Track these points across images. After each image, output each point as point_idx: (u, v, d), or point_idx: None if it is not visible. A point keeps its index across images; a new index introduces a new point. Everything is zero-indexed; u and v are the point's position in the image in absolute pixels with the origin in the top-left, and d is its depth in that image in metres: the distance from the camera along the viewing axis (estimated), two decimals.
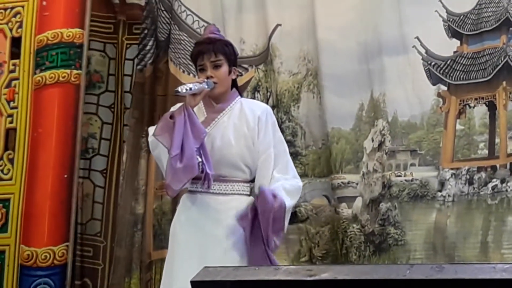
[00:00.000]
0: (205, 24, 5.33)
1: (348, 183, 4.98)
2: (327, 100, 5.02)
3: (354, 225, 4.87)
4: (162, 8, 5.56)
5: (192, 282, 2.11)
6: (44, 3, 5.37)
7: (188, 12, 5.50)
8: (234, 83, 3.82)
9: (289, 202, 3.59)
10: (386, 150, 4.89)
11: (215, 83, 3.62)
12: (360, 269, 2.07)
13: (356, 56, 5.01)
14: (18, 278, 5.08)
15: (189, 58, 5.16)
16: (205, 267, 2.18)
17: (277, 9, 5.23)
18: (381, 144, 4.91)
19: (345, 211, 4.95)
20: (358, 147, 5.01)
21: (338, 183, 4.98)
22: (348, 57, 5.02)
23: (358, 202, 4.92)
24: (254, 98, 5.21)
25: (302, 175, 4.88)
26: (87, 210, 5.64)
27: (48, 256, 5.03)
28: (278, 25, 5.18)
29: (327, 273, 2.01)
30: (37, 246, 5.05)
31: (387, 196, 4.81)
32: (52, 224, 5.09)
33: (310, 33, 5.14)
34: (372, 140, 4.94)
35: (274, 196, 3.52)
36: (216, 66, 3.66)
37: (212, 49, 3.66)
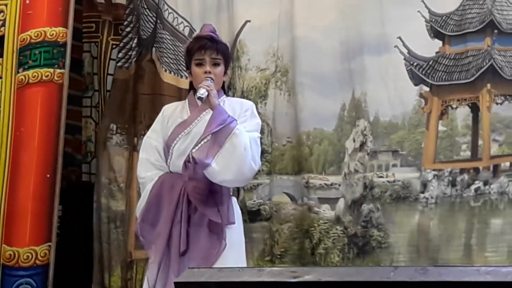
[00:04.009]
0: (184, 22, 5.37)
1: (331, 184, 4.98)
2: (309, 100, 5.02)
3: (338, 227, 4.87)
4: (146, 6, 5.55)
5: (176, 283, 2.11)
6: (28, 1, 5.32)
7: (170, 11, 5.50)
8: (223, 86, 3.90)
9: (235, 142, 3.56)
10: (368, 151, 4.89)
11: (212, 80, 3.67)
12: (344, 271, 2.07)
13: (338, 55, 5.01)
14: (0, 278, 5.04)
15: (171, 57, 5.18)
16: (189, 268, 2.17)
17: (245, 6, 5.22)
18: (362, 144, 4.91)
19: (328, 212, 4.94)
20: (340, 148, 5.00)
21: (320, 184, 4.98)
22: (330, 56, 5.02)
23: (341, 204, 4.92)
24: None
25: (268, 173, 4.90)
26: None
27: (30, 256, 5.00)
28: (247, 21, 5.17)
29: (311, 274, 2.01)
30: (19, 246, 5.01)
31: (369, 197, 4.82)
32: (34, 224, 5.05)
33: (282, 29, 5.12)
34: (354, 141, 4.95)
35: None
36: (215, 64, 3.74)
37: (215, 47, 3.75)
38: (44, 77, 5.21)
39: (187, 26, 5.44)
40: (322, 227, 4.91)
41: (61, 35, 5.29)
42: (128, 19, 5.54)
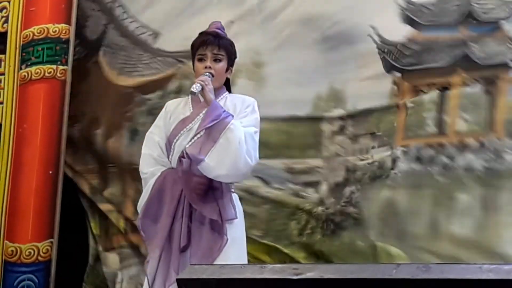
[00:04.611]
0: (148, 31, 5.47)
1: (311, 167, 5.01)
2: (284, 89, 5.04)
3: (320, 208, 4.91)
4: (97, 9, 5.61)
5: (178, 280, 2.12)
6: None
7: (131, 20, 5.55)
8: (226, 82, 3.87)
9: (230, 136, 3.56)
10: (350, 135, 4.92)
11: (212, 75, 3.66)
12: (346, 268, 2.07)
13: (316, 46, 5.03)
14: (2, 274, 5.05)
15: (129, 64, 5.22)
16: (191, 264, 2.17)
17: (219, 8, 5.28)
18: (342, 128, 4.93)
19: (312, 195, 4.97)
20: (317, 131, 5.02)
21: (301, 168, 5.01)
22: (307, 48, 5.05)
23: (324, 187, 4.96)
24: (181, 84, 5.30)
25: None
26: None
27: (32, 252, 5.01)
28: (231, 22, 5.17)
29: (313, 272, 2.01)
30: (21, 242, 5.02)
31: (351, 180, 4.85)
32: (37, 221, 5.06)
33: (256, 24, 5.17)
34: (331, 124, 4.97)
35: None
36: (216, 60, 3.72)
37: (217, 43, 3.74)
38: (47, 74, 5.21)
39: (151, 34, 5.49)
40: (308, 209, 4.92)
41: (64, 31, 5.30)
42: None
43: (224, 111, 3.60)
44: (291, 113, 5.05)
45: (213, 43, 3.73)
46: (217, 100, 3.72)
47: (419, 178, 4.75)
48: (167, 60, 5.42)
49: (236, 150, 3.52)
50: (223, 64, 3.75)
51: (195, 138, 3.61)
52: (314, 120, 5.02)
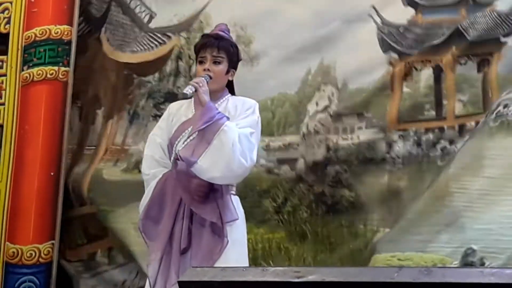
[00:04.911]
0: (146, 10, 5.49)
1: (289, 144, 5.00)
2: (274, 67, 5.03)
3: (301, 185, 4.88)
4: None
5: (180, 282, 2.12)
6: None
7: None
8: (230, 85, 3.86)
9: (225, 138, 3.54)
10: (331, 113, 4.90)
11: (210, 77, 3.65)
12: (348, 271, 2.07)
13: (307, 23, 5.04)
14: (3, 276, 5.05)
15: (125, 40, 5.22)
16: (193, 267, 2.18)
17: None
18: (326, 107, 4.92)
19: (289, 173, 4.95)
20: (301, 109, 5.02)
21: (279, 145, 5.00)
22: (298, 25, 5.05)
23: (301, 164, 4.94)
24: (177, 66, 5.36)
25: None
26: None
27: (34, 254, 5.01)
28: None
29: (315, 274, 2.01)
30: (23, 243, 5.03)
31: (334, 159, 4.84)
32: (38, 222, 5.07)
33: (246, 1, 5.20)
34: (317, 104, 4.96)
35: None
36: (216, 62, 3.71)
37: (217, 45, 3.71)
38: (48, 75, 5.22)
39: (148, 14, 5.54)
40: (286, 186, 4.89)
41: (66, 33, 5.30)
42: None
43: (219, 112, 3.59)
44: (281, 90, 5.05)
45: (213, 45, 3.71)
46: (218, 103, 3.72)
47: (419, 162, 4.75)
48: (159, 36, 5.45)
49: (229, 152, 3.51)
50: (222, 67, 3.73)
51: (188, 140, 3.62)
52: (301, 98, 5.02)
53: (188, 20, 5.35)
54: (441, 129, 4.72)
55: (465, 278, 1.91)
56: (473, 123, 4.66)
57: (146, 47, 5.45)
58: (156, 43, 5.43)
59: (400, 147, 4.76)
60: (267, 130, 5.00)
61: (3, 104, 5.33)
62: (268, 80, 5.01)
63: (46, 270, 5.06)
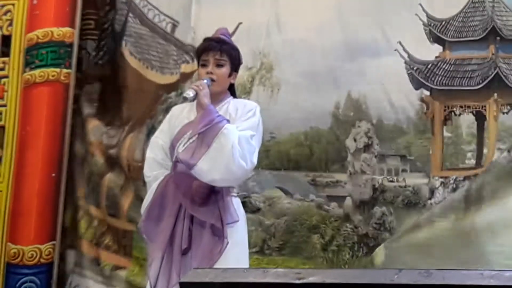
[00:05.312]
0: (166, 19, 5.47)
1: (336, 182, 5.01)
2: (301, 98, 5.04)
3: (348, 224, 4.89)
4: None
5: (181, 284, 2.13)
6: (35, 1, 5.36)
7: (150, 7, 5.56)
8: (231, 88, 3.87)
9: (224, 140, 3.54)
10: (375, 153, 4.90)
11: (213, 80, 3.67)
12: (348, 273, 2.08)
13: (332, 55, 5.02)
14: (4, 276, 5.07)
15: (151, 53, 5.22)
16: (194, 268, 2.19)
17: (237, 6, 5.27)
18: (368, 146, 4.92)
19: (337, 209, 4.97)
20: (339, 146, 5.02)
21: (326, 181, 5.00)
22: (323, 56, 5.05)
23: (348, 202, 4.95)
24: None
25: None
26: None
27: (35, 254, 5.02)
28: (240, 23, 5.19)
29: (315, 276, 2.02)
30: (24, 244, 5.04)
31: (380, 200, 4.84)
32: (39, 223, 5.08)
33: (270, 29, 5.18)
34: (355, 140, 4.95)
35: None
36: (219, 65, 3.73)
37: (219, 48, 3.73)
38: (50, 77, 5.23)
39: (169, 22, 5.51)
40: (334, 224, 4.91)
41: (68, 35, 5.32)
42: (108, 13, 5.58)
43: (218, 115, 3.61)
44: (311, 124, 5.06)
45: (215, 49, 3.73)
46: (220, 105, 3.73)
47: (456, 209, 4.74)
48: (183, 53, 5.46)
49: (229, 154, 3.52)
50: (225, 70, 3.75)
51: (188, 143, 3.63)
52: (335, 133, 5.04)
53: None
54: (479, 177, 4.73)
55: (465, 280, 1.92)
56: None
57: (173, 67, 5.45)
58: (182, 60, 5.44)
59: (440, 194, 4.75)
60: (275, 159, 5.03)
61: (5, 105, 5.35)
62: (294, 112, 5.03)
63: (47, 271, 5.07)
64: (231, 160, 3.52)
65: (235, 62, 3.80)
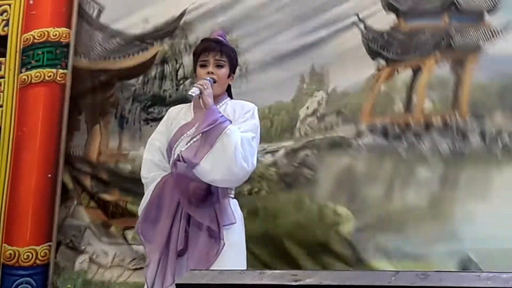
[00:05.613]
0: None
1: (283, 147, 5.06)
2: (268, 75, 5.08)
3: (273, 169, 4.93)
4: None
5: (178, 285, 2.12)
6: (31, 1, 5.35)
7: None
8: (228, 88, 3.90)
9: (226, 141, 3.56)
10: (318, 115, 4.97)
11: (214, 80, 3.68)
12: (345, 275, 2.08)
13: (294, 31, 5.07)
14: (0, 277, 5.06)
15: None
16: (191, 270, 2.18)
17: None
18: (315, 111, 4.97)
19: (268, 160, 5.03)
20: (294, 116, 5.06)
21: (273, 149, 5.04)
22: (287, 32, 5.09)
23: (281, 152, 5.01)
24: (163, 70, 5.34)
25: None
26: None
27: (31, 255, 5.01)
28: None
29: (312, 278, 2.02)
30: (20, 245, 5.03)
31: (308, 146, 4.92)
32: (35, 224, 5.07)
33: (229, 7, 5.22)
34: (307, 108, 5.01)
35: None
36: (219, 66, 3.75)
37: (219, 49, 3.77)
38: (46, 77, 5.22)
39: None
40: (261, 171, 4.94)
41: (64, 35, 5.31)
42: None
43: (222, 116, 3.62)
44: (276, 99, 5.09)
45: (215, 49, 3.75)
46: (218, 106, 3.73)
47: (382, 151, 4.81)
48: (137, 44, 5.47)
49: (231, 155, 3.53)
50: (225, 70, 3.78)
51: (191, 142, 3.63)
52: (296, 104, 5.09)
53: (165, 27, 5.36)
54: (408, 124, 4.79)
55: (461, 282, 1.92)
56: (439, 121, 4.71)
57: (124, 55, 5.47)
58: (134, 50, 5.45)
59: (367, 137, 4.82)
60: (265, 138, 5.08)
61: (1, 106, 5.34)
62: (264, 89, 5.05)
63: (43, 272, 5.06)
64: (233, 162, 3.53)
65: (234, 64, 3.84)
